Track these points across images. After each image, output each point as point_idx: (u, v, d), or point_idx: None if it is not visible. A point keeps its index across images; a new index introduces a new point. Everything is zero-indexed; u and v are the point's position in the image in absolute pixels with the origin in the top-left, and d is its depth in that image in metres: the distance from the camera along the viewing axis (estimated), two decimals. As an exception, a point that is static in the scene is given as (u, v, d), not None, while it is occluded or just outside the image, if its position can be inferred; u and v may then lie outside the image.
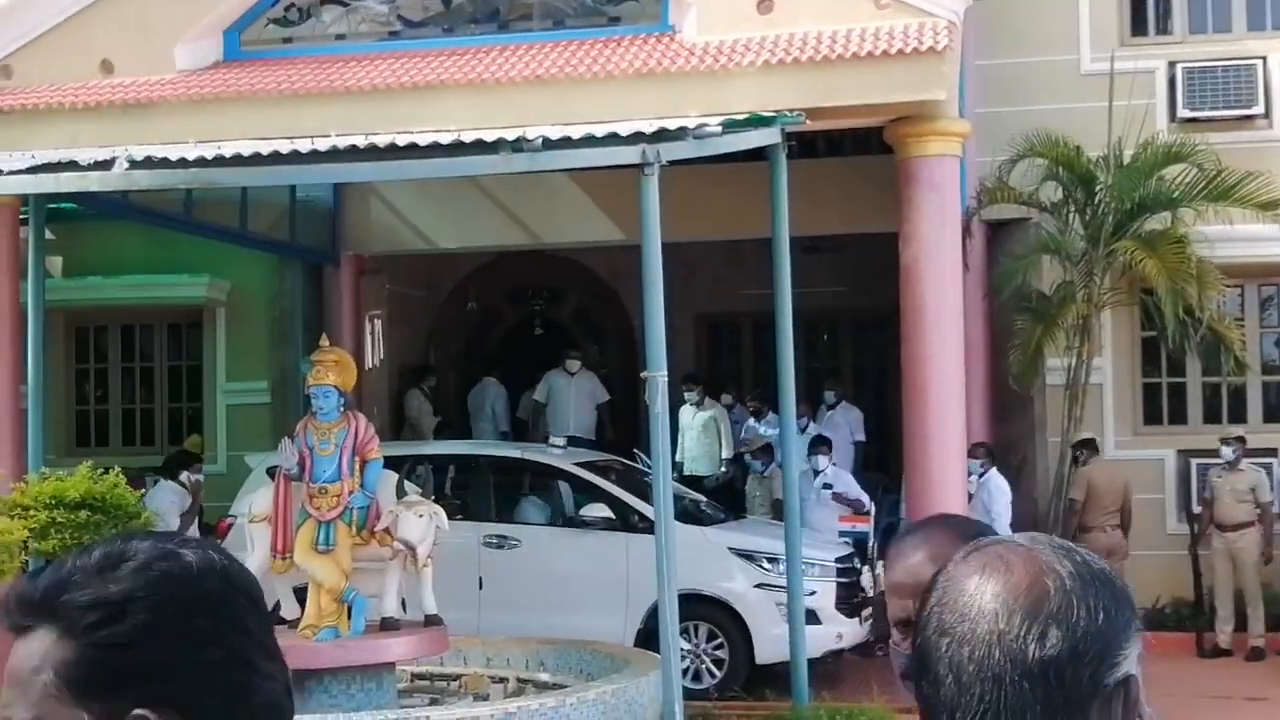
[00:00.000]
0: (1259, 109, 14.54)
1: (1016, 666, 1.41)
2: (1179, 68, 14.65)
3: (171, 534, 1.52)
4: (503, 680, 9.75)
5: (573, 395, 15.98)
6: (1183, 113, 14.60)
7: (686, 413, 15.02)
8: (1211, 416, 14.86)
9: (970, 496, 12.44)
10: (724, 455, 15.24)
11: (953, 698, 1.43)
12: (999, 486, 12.87)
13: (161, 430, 16.10)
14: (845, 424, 15.19)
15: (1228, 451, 13.20)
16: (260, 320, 15.44)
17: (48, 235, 11.71)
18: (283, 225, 14.43)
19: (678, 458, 14.45)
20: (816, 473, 13.14)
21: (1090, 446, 13.77)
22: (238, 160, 7.62)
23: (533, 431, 15.95)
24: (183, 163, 7.68)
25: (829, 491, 13.14)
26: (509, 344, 18.68)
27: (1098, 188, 13.69)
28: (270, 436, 14.59)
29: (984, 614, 1.43)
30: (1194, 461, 14.27)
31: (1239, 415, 14.84)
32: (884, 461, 14.98)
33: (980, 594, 1.44)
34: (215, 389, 15.66)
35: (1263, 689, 11.07)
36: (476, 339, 19.03)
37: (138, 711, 1.30)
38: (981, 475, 12.87)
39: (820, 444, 13.58)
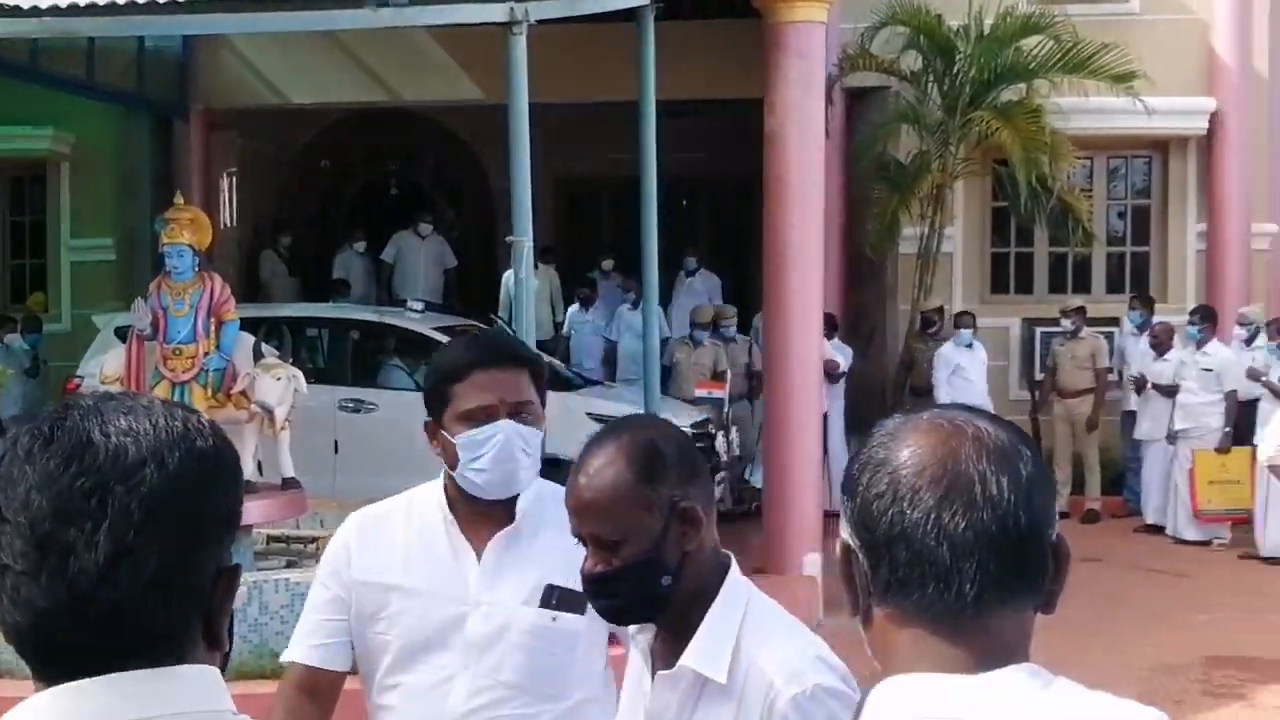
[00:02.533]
0: (1116, -19, 14.76)
1: (977, 534, 1.47)
2: (1040, -63, 14.76)
3: None
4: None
5: (422, 258, 15.80)
6: (1041, -17, 14.74)
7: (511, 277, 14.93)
8: (1057, 286, 15.27)
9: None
10: (557, 319, 15.25)
11: (902, 567, 1.48)
12: (843, 348, 13.35)
13: (3, 287, 15.62)
14: (704, 290, 15.29)
15: (1067, 323, 13.59)
16: (106, 175, 14.94)
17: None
18: (130, 76, 13.91)
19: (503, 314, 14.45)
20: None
21: (940, 314, 14.06)
22: (92, 10, 7.31)
23: (379, 291, 15.73)
24: (35, 11, 7.35)
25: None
26: (364, 204, 18.38)
27: (957, 57, 13.82)
28: (117, 295, 14.25)
29: (930, 481, 1.49)
30: (1038, 330, 14.68)
31: (1084, 285, 15.27)
32: (742, 327, 15.14)
33: (927, 460, 1.50)
34: (59, 245, 15.19)
35: (1095, 550, 11.50)
36: (330, 198, 18.70)
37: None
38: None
39: None
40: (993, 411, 1.63)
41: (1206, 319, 12.53)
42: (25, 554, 1.28)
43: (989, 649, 1.46)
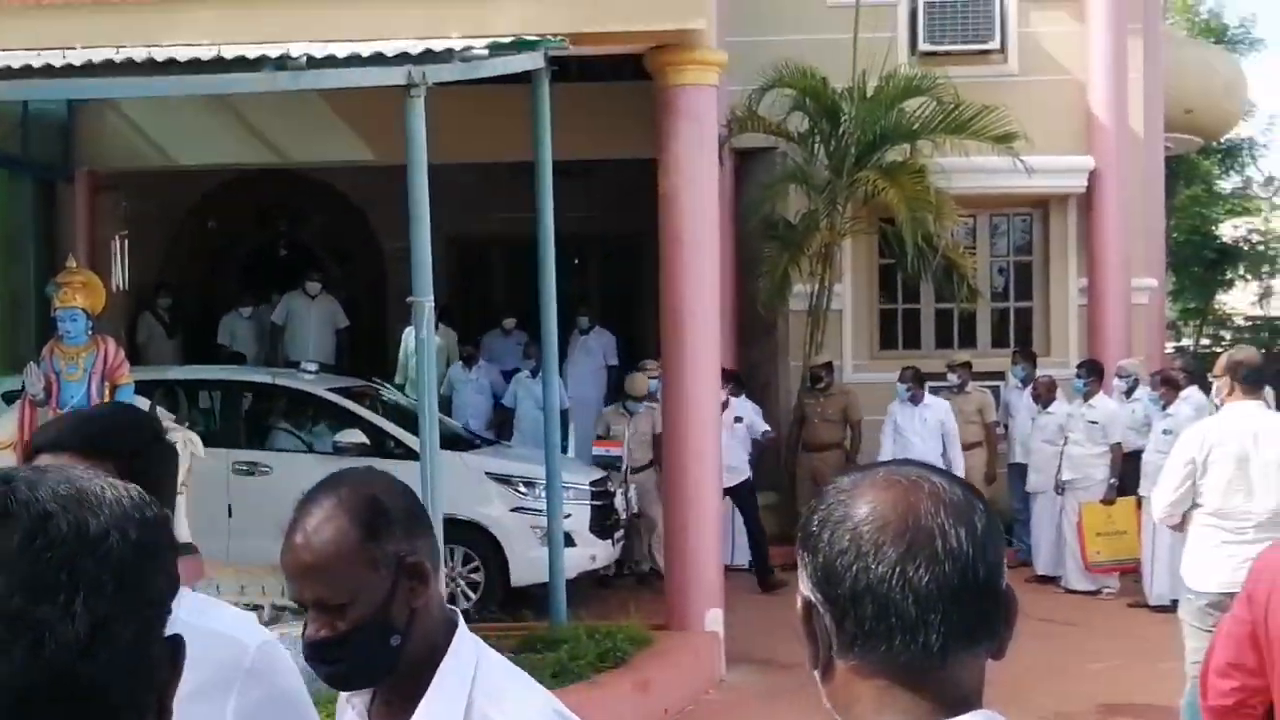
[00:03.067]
0: (995, 44, 15.19)
1: (940, 586, 1.51)
2: (920, 2, 15.16)
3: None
4: (258, 607, 9.58)
5: (313, 319, 15.67)
6: (923, 46, 15.15)
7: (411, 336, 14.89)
8: (944, 341, 15.56)
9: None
10: None
11: (865, 622, 1.52)
12: (754, 408, 13.43)
13: (-121, 353, 15.21)
14: (599, 348, 15.35)
15: (953, 377, 13.85)
16: (-12, 238, 14.67)
17: None
18: (14, 139, 13.70)
19: (399, 380, 14.40)
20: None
21: (829, 370, 14.24)
22: (-16, 72, 7.23)
23: (270, 354, 15.58)
24: (-78, 74, 7.25)
25: None
26: (252, 265, 18.21)
27: (842, 119, 14.12)
28: (1, 360, 13.97)
29: (892, 537, 1.53)
30: (928, 385, 14.92)
31: (970, 340, 15.59)
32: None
33: (889, 517, 1.54)
34: (-61, 309, 14.86)
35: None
36: (217, 260, 18.50)
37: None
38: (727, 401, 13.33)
39: None
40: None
41: (1092, 373, 12.84)
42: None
43: (951, 698, 1.51)
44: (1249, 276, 28.29)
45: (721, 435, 11.02)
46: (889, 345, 15.66)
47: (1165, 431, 11.21)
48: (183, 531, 8.60)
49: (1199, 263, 25.87)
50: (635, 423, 12.95)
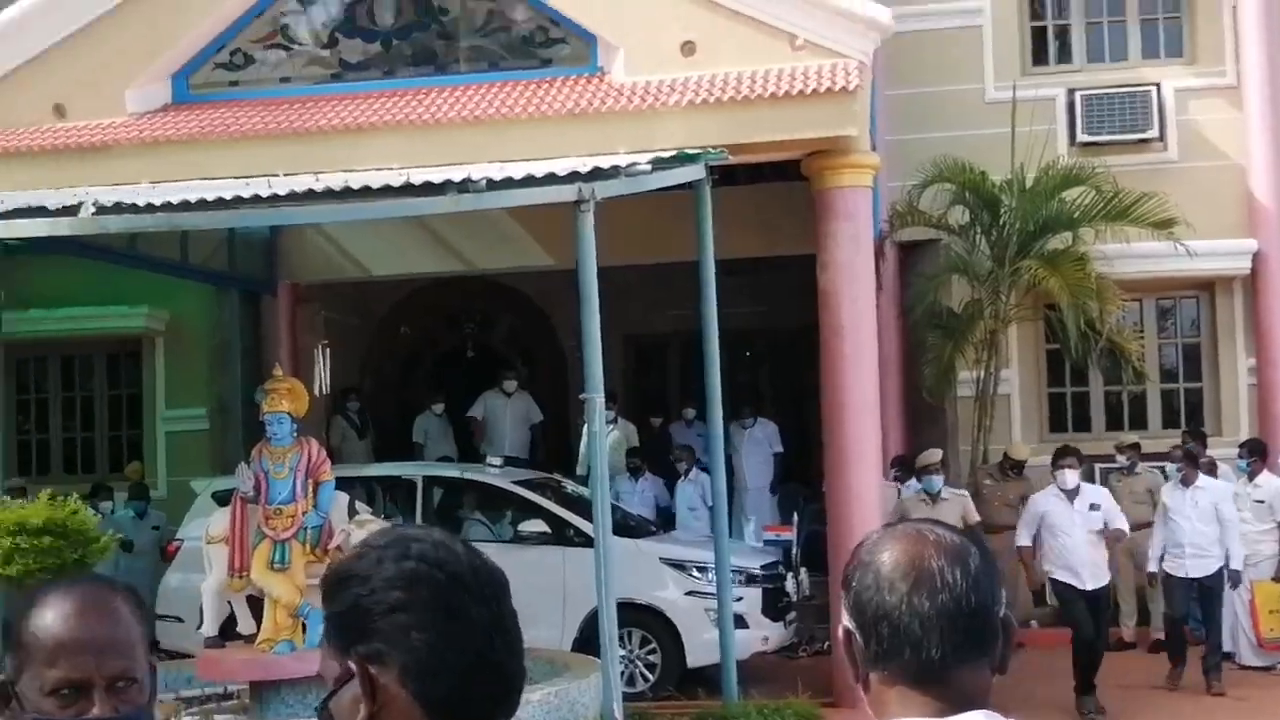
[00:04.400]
0: (1153, 132, 15.39)
1: (940, 610, 1.99)
2: (1078, 95, 15.48)
3: (425, 528, 1.98)
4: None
5: (508, 415, 16.41)
6: (1082, 137, 15.42)
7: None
8: (1114, 424, 15.67)
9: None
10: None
11: (887, 641, 2.01)
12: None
13: (101, 457, 16.41)
14: (764, 438, 15.78)
15: (1122, 459, 13.96)
16: (198, 348, 15.79)
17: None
18: (220, 256, 14.81)
19: (580, 471, 14.93)
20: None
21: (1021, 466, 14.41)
22: (202, 205, 8.12)
23: (459, 450, 16.30)
24: (149, 208, 8.15)
25: None
26: (442, 368, 19.11)
27: (1002, 210, 14.45)
28: (209, 462, 15.00)
29: (908, 576, 2.00)
30: (1098, 466, 15.04)
31: (1140, 422, 15.67)
32: (804, 472, 15.59)
33: (903, 560, 2.02)
34: (155, 416, 16.00)
35: (1159, 675, 11.86)
36: (410, 363, 19.47)
37: (350, 662, 1.84)
38: (905, 485, 13.67)
39: None
40: None
41: (1255, 452, 12.90)
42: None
43: (956, 699, 2.00)
44: None
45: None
46: (1058, 428, 15.81)
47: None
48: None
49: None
50: (939, 510, 11.82)
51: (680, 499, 14.68)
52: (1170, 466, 12.92)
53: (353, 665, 1.84)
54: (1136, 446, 14.20)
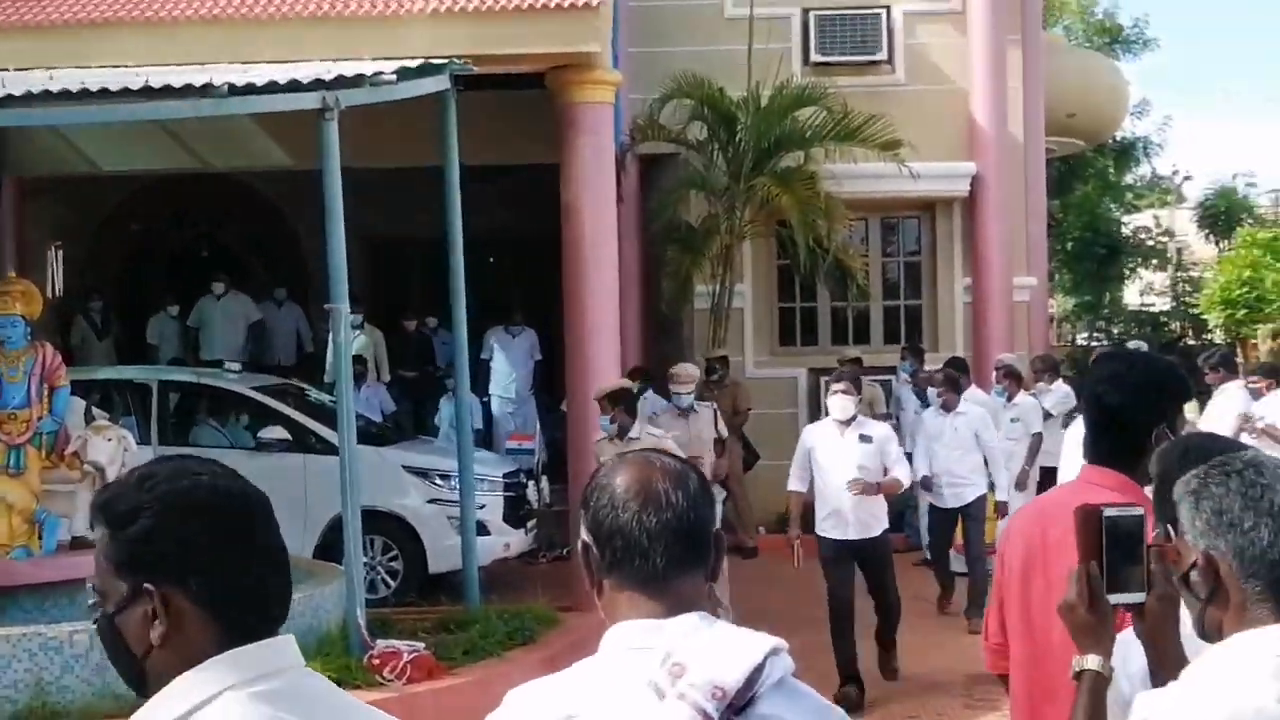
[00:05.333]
0: (883, 55, 16.06)
1: (662, 527, 2.29)
2: (812, 14, 16.03)
3: (201, 460, 2.13)
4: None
5: (219, 317, 16.28)
6: (815, 57, 15.99)
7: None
8: (840, 338, 16.43)
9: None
10: (383, 378, 15.82)
11: (616, 552, 2.31)
12: (657, 400, 14.07)
13: None
14: (527, 346, 15.97)
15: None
16: (-82, 244, 15.16)
17: None
18: (-59, 148, 14.23)
19: (328, 379, 14.92)
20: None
21: (724, 363, 14.93)
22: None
23: (185, 356, 16.08)
24: None
25: None
26: (176, 268, 18.73)
27: (739, 127, 14.91)
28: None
29: (634, 495, 2.31)
30: (824, 379, 15.75)
31: (864, 337, 16.46)
32: (553, 380, 15.91)
33: (631, 483, 2.32)
34: None
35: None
36: (141, 262, 19.01)
37: (146, 585, 2.01)
38: (641, 394, 14.07)
39: None
40: None
41: (961, 369, 13.38)
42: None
43: (675, 603, 2.29)
44: (1137, 270, 29.41)
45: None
46: (788, 341, 16.49)
47: (1012, 420, 12.16)
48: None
49: (1091, 259, 26.94)
50: (692, 425, 11.10)
51: (445, 415, 14.71)
52: (931, 391, 12.62)
53: (149, 589, 2.01)
54: (858, 361, 14.86)
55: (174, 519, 2.02)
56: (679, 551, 2.30)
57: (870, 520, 9.67)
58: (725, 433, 11.63)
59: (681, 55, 15.39)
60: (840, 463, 9.60)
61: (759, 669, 2.18)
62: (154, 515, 2.02)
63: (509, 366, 15.84)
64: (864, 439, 9.67)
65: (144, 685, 2.07)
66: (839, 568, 9.65)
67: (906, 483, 10.25)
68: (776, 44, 15.48)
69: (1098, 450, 3.37)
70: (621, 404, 9.84)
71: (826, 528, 9.67)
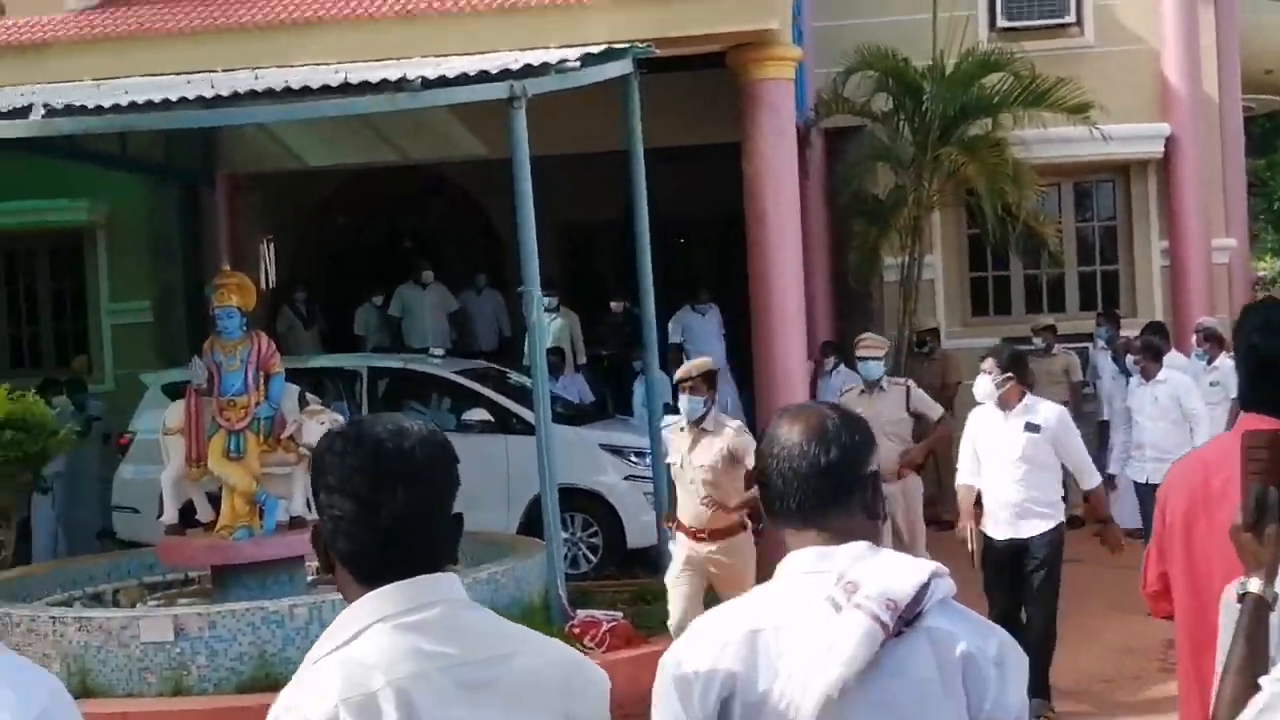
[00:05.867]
0: (1070, 18, 15.81)
1: (812, 468, 2.52)
2: (997, -21, 15.84)
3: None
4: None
5: (426, 306, 16.74)
6: (1001, 23, 15.82)
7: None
8: (1034, 306, 16.24)
9: (814, 387, 13.69)
10: (579, 361, 16.11)
11: (780, 491, 2.55)
12: (849, 375, 14.12)
13: (48, 352, 16.59)
14: (716, 324, 16.06)
15: (1039, 341, 14.46)
16: (140, 241, 15.90)
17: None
18: (159, 148, 14.96)
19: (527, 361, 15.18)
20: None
21: (934, 335, 14.94)
22: (150, 106, 8.37)
23: (389, 344, 16.56)
24: (98, 109, 8.39)
25: None
26: (377, 257, 19.35)
27: (924, 97, 14.81)
28: (154, 354, 15.23)
29: (794, 443, 2.55)
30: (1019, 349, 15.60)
31: (1059, 304, 16.25)
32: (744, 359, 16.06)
33: (792, 432, 2.56)
34: (99, 310, 16.17)
35: (1074, 551, 12.28)
36: (343, 254, 19.70)
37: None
38: (834, 369, 14.17)
39: None
40: None
41: (1159, 333, 13.20)
42: (350, 509, 2.28)
43: (840, 535, 2.51)
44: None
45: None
46: (980, 311, 16.37)
47: (1212, 384, 11.87)
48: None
49: (1299, 218, 26.09)
50: (876, 403, 9.92)
51: (638, 394, 14.90)
52: (1129, 360, 12.16)
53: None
54: (1052, 329, 14.72)
55: (324, 465, 2.33)
56: (838, 490, 2.52)
57: (1036, 513, 8.45)
58: (934, 410, 10.40)
59: (865, 27, 15.35)
60: (999, 453, 8.44)
61: (925, 586, 2.40)
62: (317, 464, 2.37)
63: (699, 344, 15.99)
64: (1030, 428, 8.32)
65: None
66: (998, 574, 8.54)
67: (1090, 485, 8.74)
68: (962, 11, 15.35)
69: (1255, 398, 3.41)
70: (713, 387, 8.63)
71: (987, 525, 8.60)
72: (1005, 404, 8.43)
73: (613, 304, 16.74)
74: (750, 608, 2.51)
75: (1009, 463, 8.39)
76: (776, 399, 11.17)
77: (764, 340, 11.33)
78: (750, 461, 8.11)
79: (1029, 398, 8.53)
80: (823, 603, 2.41)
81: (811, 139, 14.95)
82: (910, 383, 10.67)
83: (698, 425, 8.39)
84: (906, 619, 2.38)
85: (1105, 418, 14.25)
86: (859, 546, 2.48)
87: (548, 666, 2.34)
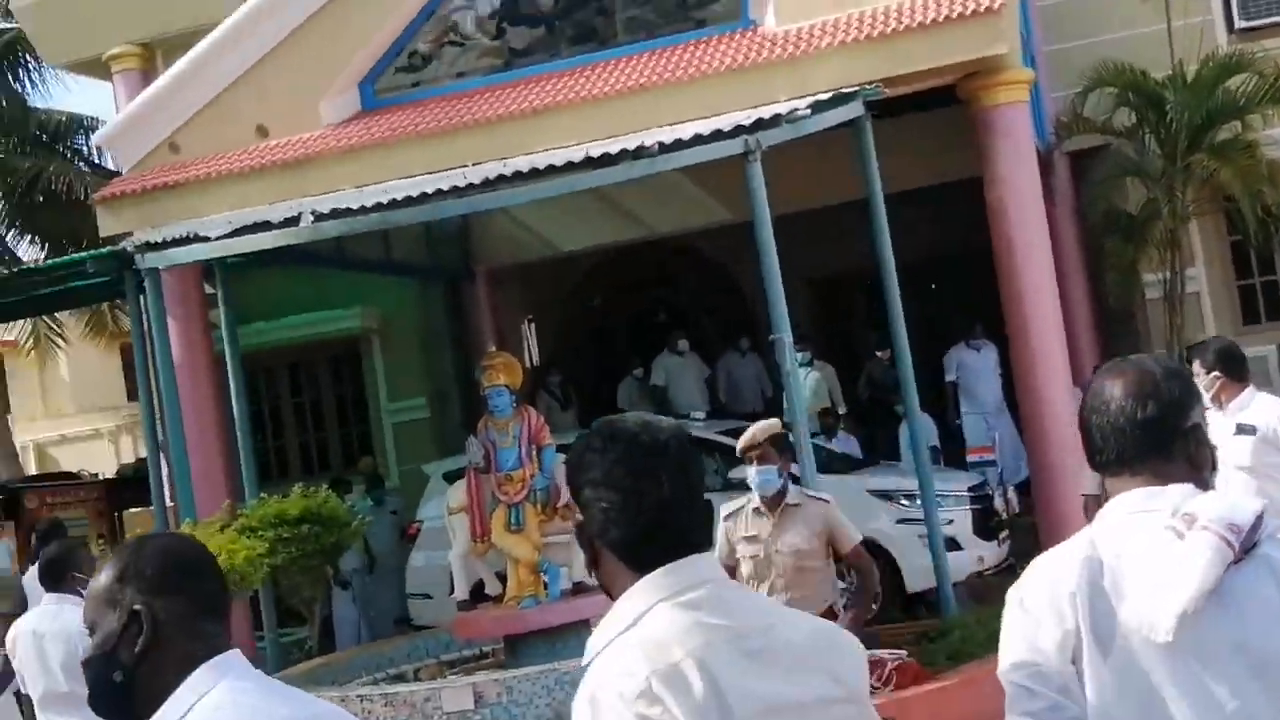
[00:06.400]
0: (1310, 9, 15.26)
1: (1131, 421, 2.59)
2: (1232, -19, 15.41)
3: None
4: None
5: (688, 374, 17.00)
6: (1239, 23, 15.38)
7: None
8: (1308, 309, 15.60)
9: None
10: (840, 410, 16.09)
11: (1099, 445, 2.64)
12: None
13: (335, 456, 17.41)
14: (991, 361, 15.74)
15: (1317, 341, 13.88)
16: (411, 341, 16.61)
17: (206, 289, 13.14)
18: (420, 251, 15.67)
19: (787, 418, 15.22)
20: None
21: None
22: (409, 201, 8.84)
23: (654, 410, 16.79)
24: (361, 210, 8.91)
25: None
26: (634, 333, 19.74)
27: (1167, 107, 14.48)
28: (433, 446, 15.84)
29: (1114, 398, 2.64)
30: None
31: (1333, 305, 15.56)
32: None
33: (1112, 387, 2.65)
34: (379, 410, 16.91)
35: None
36: (602, 332, 20.17)
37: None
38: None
39: None
40: None
41: None
42: (617, 500, 2.44)
43: (1166, 478, 2.57)
44: None
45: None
46: (1252, 319, 15.80)
47: None
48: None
49: None
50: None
51: (903, 438, 14.84)
52: None
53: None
54: (1331, 328, 14.14)
55: (584, 462, 2.47)
56: (1158, 442, 2.59)
57: None
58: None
59: (1099, 45, 15.09)
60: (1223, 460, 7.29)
61: (1260, 516, 2.46)
62: (574, 462, 2.50)
63: (975, 381, 15.84)
64: (1243, 430, 7.06)
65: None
66: None
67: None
68: (1196, 17, 14.99)
69: None
70: (787, 449, 7.54)
71: None
72: (1218, 403, 7.19)
73: (878, 352, 16.70)
74: (1085, 541, 2.59)
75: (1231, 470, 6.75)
76: (1042, 430, 11.00)
77: (1025, 370, 11.18)
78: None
79: (1246, 394, 7.17)
80: (1163, 532, 2.49)
81: (1055, 164, 14.74)
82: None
83: (776, 502, 7.27)
84: (1246, 546, 2.44)
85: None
86: (1186, 487, 2.55)
87: (806, 634, 2.45)
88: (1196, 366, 7.42)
